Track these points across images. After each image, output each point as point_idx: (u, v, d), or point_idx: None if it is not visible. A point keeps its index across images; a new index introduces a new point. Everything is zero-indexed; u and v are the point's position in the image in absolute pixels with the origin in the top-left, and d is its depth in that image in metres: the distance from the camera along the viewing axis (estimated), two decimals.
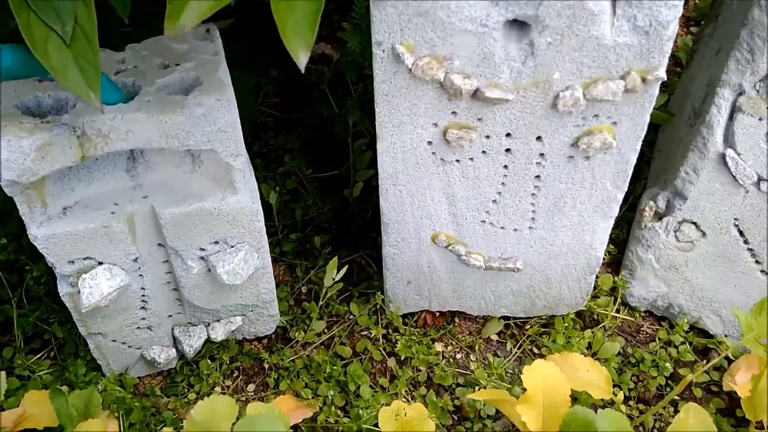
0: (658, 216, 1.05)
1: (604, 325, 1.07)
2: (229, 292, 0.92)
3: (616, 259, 1.14)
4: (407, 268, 0.95)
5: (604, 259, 1.14)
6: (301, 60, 0.56)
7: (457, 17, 0.63)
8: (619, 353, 1.03)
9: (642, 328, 1.09)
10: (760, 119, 0.92)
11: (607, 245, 1.15)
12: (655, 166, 1.20)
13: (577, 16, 0.63)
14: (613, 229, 1.15)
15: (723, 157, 0.95)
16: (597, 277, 1.11)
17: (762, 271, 1.00)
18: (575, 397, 0.93)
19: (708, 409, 0.97)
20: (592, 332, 1.04)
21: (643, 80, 0.68)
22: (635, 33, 0.65)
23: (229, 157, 0.76)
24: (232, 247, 0.86)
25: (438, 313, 1.05)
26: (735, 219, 0.99)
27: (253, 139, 1.28)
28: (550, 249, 0.91)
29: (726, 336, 1.06)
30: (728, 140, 0.95)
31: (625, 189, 0.83)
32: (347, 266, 1.01)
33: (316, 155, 1.27)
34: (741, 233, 0.99)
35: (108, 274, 0.80)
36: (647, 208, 1.06)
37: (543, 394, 0.70)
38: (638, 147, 0.77)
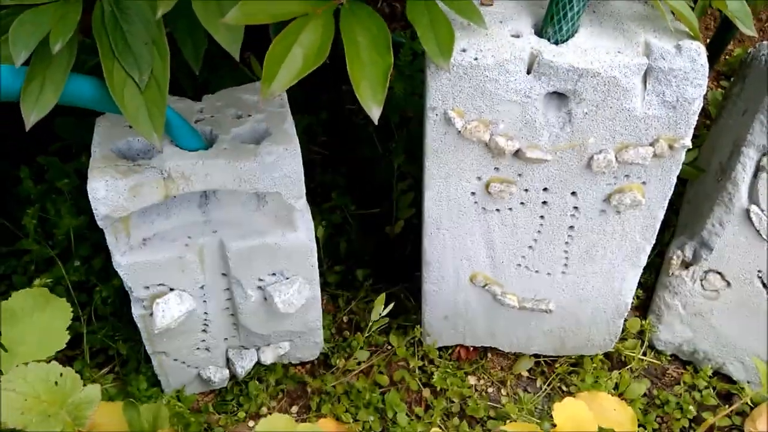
0: (685, 265, 1.11)
1: (631, 367, 1.12)
2: (281, 320, 1.00)
3: (644, 304, 1.20)
4: (445, 305, 1.02)
5: (632, 302, 1.19)
6: (374, 114, 0.64)
7: (504, 89, 0.71)
8: (644, 394, 1.08)
9: (667, 371, 1.14)
10: None
11: (636, 290, 1.21)
12: (684, 216, 1.25)
13: (611, 92, 0.70)
14: (642, 274, 1.21)
15: (747, 212, 1.01)
16: (625, 321, 1.17)
17: None
18: None
19: None
20: (620, 373, 1.09)
21: (670, 147, 0.75)
22: (663, 107, 0.72)
23: (291, 198, 0.85)
24: (287, 278, 0.94)
25: (472, 348, 1.12)
26: (759, 271, 1.04)
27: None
28: (581, 293, 0.97)
29: (748, 382, 1.11)
30: (752, 197, 1.01)
31: (653, 241, 0.89)
32: (390, 300, 1.09)
33: (361, 193, 1.36)
34: (764, 285, 1.04)
35: (178, 299, 0.89)
36: (675, 257, 1.12)
37: (572, 431, 0.76)
38: (665, 204, 0.83)
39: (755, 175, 1.00)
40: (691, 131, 0.74)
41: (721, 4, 0.71)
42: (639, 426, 1.02)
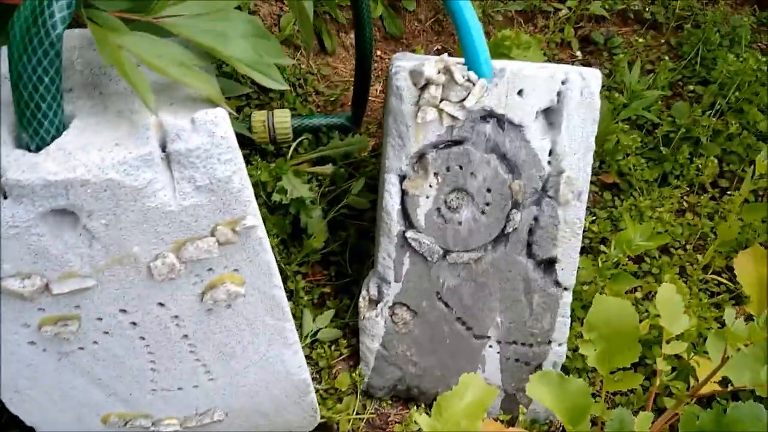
0: (374, 303, 1.03)
1: (349, 429, 1.02)
2: None
3: (357, 350, 1.11)
4: None
5: (344, 354, 1.10)
6: None
7: None
8: None
9: (389, 418, 1.06)
10: (427, 197, 0.94)
11: (348, 337, 1.12)
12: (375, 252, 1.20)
13: (119, 195, 0.56)
14: (350, 317, 1.13)
15: (406, 238, 0.96)
16: (335, 378, 1.07)
17: (474, 336, 1.01)
18: None
19: None
20: None
21: (234, 231, 0.63)
22: (201, 193, 0.60)
23: None
24: None
25: None
26: (437, 293, 0.99)
27: None
28: (246, 390, 0.84)
29: None
30: (407, 222, 0.96)
31: (289, 317, 0.78)
32: None
33: None
34: (446, 305, 1.00)
35: None
36: (362, 299, 1.04)
37: None
38: (277, 281, 0.72)
39: (402, 201, 0.95)
40: (251, 207, 0.63)
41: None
42: None
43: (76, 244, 0.58)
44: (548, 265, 0.96)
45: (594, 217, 1.21)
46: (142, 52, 0.57)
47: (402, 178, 0.94)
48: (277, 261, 1.11)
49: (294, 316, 1.11)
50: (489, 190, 0.92)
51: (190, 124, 0.58)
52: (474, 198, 0.92)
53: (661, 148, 1.29)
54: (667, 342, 0.83)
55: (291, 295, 1.12)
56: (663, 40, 1.48)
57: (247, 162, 1.18)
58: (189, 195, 0.59)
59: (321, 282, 1.18)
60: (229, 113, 0.60)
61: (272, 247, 1.09)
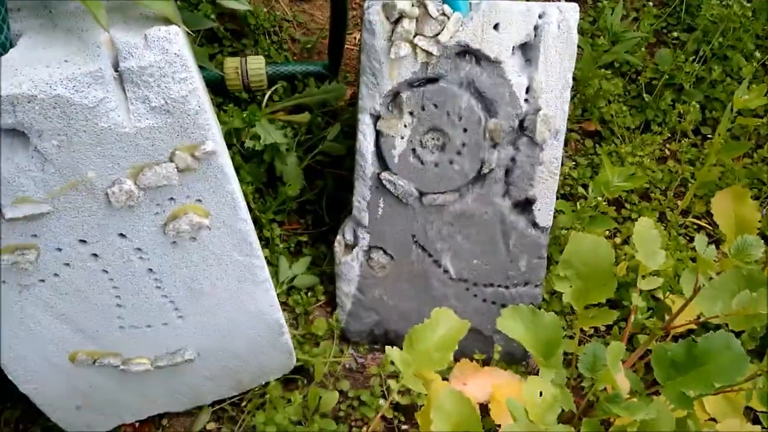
0: (350, 248, 1.02)
1: (326, 374, 1.02)
2: None
3: (334, 297, 1.10)
4: (65, 397, 0.82)
5: (321, 300, 1.10)
6: None
7: None
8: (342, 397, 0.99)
9: (366, 361, 1.06)
10: (402, 137, 0.92)
11: (325, 284, 1.11)
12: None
13: (70, 114, 0.54)
14: (327, 265, 1.11)
15: (380, 180, 0.94)
16: (312, 324, 1.07)
17: (451, 278, 1.00)
18: None
19: None
20: (308, 389, 0.98)
21: (194, 157, 0.61)
22: (156, 114, 0.58)
23: None
24: None
25: (137, 423, 0.93)
26: (413, 236, 0.98)
27: None
28: (217, 329, 0.83)
29: None
30: (382, 164, 0.94)
31: (259, 254, 0.77)
32: None
33: None
34: (423, 248, 0.99)
35: None
36: (338, 244, 1.03)
37: None
38: (243, 215, 0.71)
39: (377, 142, 0.94)
40: (210, 132, 0.61)
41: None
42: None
43: (29, 167, 0.56)
44: (525, 205, 0.95)
45: (574, 164, 1.20)
46: None
47: (376, 118, 0.92)
48: (252, 209, 1.10)
49: (270, 263, 1.10)
50: (465, 130, 0.90)
51: (142, 41, 0.55)
52: (450, 138, 0.91)
53: (644, 95, 1.27)
54: (643, 277, 0.83)
55: (267, 243, 1.11)
56: None
57: (220, 109, 1.15)
58: (144, 116, 0.57)
59: (298, 230, 1.16)
60: (186, 33, 0.58)
61: (247, 195, 1.08)
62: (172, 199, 0.65)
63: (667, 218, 1.14)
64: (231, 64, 1.15)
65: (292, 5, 1.36)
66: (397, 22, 0.84)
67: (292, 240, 1.14)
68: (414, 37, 0.85)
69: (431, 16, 0.83)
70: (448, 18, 0.84)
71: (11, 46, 0.55)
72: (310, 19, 1.36)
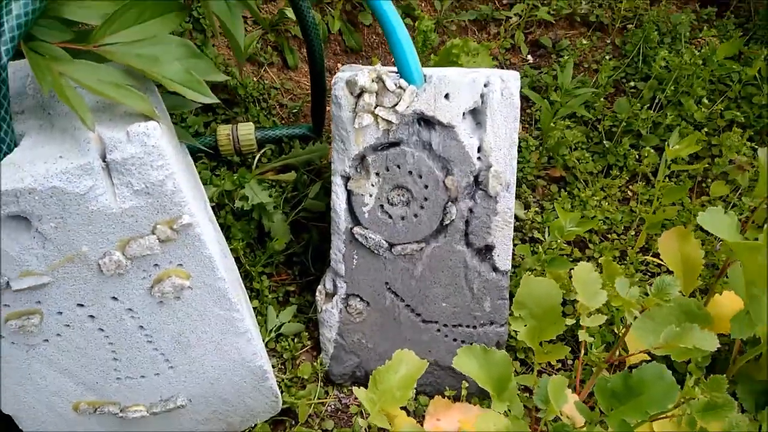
0: (330, 296, 1.11)
1: (310, 415, 1.10)
2: None
3: (319, 342, 1.19)
4: None
5: (307, 346, 1.18)
6: None
7: None
8: None
9: (349, 402, 1.13)
10: (370, 195, 1.02)
11: (311, 330, 1.20)
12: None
13: (65, 201, 0.65)
14: (313, 312, 1.21)
15: (353, 234, 1.04)
16: (298, 368, 1.15)
17: (423, 321, 1.09)
18: None
19: None
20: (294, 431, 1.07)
21: (173, 229, 0.72)
22: (138, 196, 0.68)
23: None
24: None
25: None
26: (386, 283, 1.07)
27: None
28: (205, 377, 0.92)
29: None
30: (354, 219, 1.04)
31: (238, 308, 0.87)
32: None
33: None
34: (395, 294, 1.08)
35: None
36: (319, 293, 1.12)
37: None
38: (220, 274, 0.81)
39: (348, 200, 1.04)
40: (186, 207, 0.71)
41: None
42: None
43: (31, 246, 0.67)
44: (485, 252, 1.04)
45: (540, 209, 1.29)
46: (82, 77, 0.66)
47: (347, 179, 1.02)
48: (242, 263, 1.20)
49: (259, 313, 1.20)
50: (426, 186, 1.00)
51: (125, 136, 0.66)
52: (413, 194, 1.01)
53: (605, 141, 1.37)
54: (588, 316, 0.91)
55: (257, 294, 1.20)
56: (608, 41, 1.56)
57: (214, 173, 1.27)
58: (128, 198, 0.68)
59: (286, 281, 1.26)
60: (167, 126, 0.69)
61: (238, 251, 1.18)
62: (156, 265, 0.75)
63: (628, 256, 1.22)
64: (223, 131, 1.27)
65: (279, 73, 1.49)
66: (359, 96, 0.95)
67: (281, 290, 1.24)
68: (375, 108, 0.96)
69: (389, 90, 0.94)
70: (404, 90, 0.95)
71: (15, 145, 0.66)
72: (296, 86, 1.49)
